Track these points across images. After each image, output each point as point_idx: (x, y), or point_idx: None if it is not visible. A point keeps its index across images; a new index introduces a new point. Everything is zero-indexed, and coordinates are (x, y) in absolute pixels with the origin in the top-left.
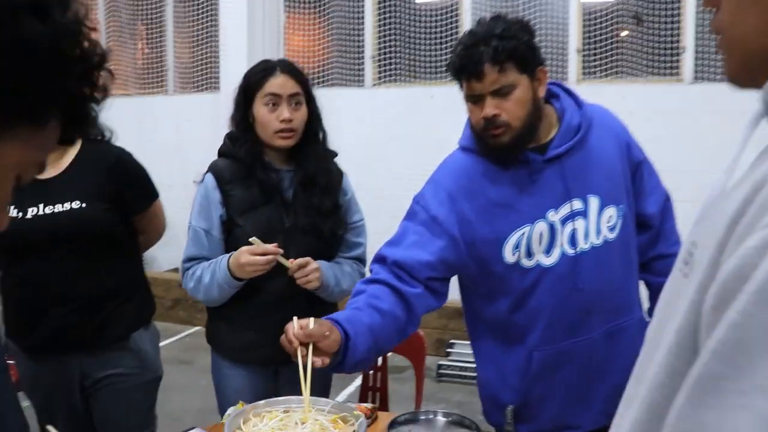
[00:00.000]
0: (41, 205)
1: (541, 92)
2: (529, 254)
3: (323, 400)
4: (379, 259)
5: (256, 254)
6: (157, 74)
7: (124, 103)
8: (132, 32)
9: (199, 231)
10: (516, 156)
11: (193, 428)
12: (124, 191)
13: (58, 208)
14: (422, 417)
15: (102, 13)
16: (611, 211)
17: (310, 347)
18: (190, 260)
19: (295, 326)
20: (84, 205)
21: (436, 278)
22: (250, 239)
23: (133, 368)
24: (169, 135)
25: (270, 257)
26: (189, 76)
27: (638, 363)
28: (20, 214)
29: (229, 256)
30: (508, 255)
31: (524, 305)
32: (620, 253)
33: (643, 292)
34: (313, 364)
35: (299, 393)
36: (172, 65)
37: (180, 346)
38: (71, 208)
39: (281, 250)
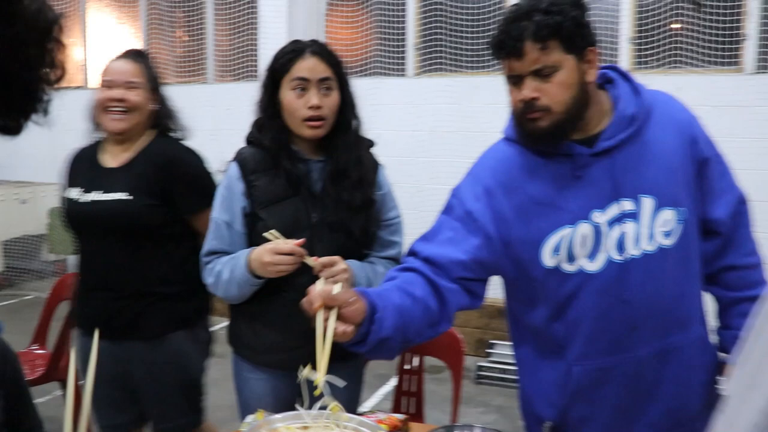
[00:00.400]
0: (99, 192)
1: (591, 76)
2: (571, 258)
3: (347, 415)
4: (412, 253)
5: (281, 253)
6: (196, 63)
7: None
8: (171, 20)
9: (220, 223)
10: (557, 146)
11: None
12: (173, 190)
13: (109, 196)
14: (457, 431)
15: (143, 1)
16: (668, 214)
17: (333, 313)
18: (211, 254)
19: (318, 287)
20: (131, 197)
21: (470, 279)
22: (266, 233)
23: (166, 367)
24: (208, 124)
25: (296, 259)
26: (228, 65)
27: (732, 398)
28: (82, 197)
29: (249, 252)
30: (547, 258)
31: (563, 314)
32: (677, 263)
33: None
34: (334, 330)
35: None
36: (211, 54)
37: (215, 338)
38: (117, 198)
39: (305, 251)
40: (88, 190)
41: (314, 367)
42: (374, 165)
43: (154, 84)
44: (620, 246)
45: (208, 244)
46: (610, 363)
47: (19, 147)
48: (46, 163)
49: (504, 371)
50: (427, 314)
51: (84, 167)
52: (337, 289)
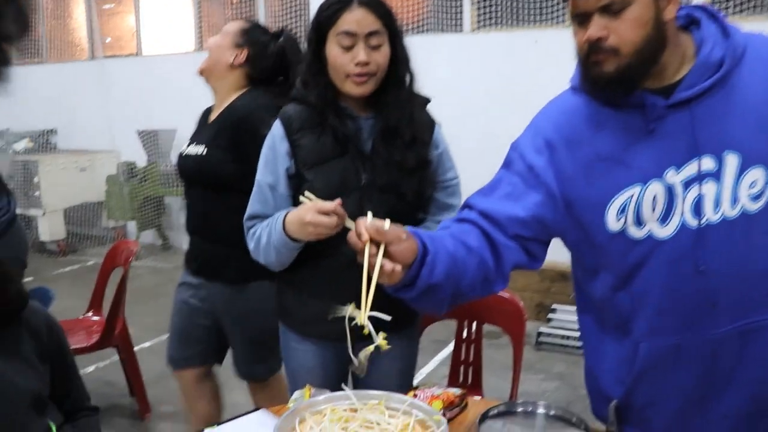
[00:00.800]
0: (194, 144)
1: (670, 13)
2: (639, 222)
3: (397, 396)
4: (467, 206)
5: (324, 213)
6: None
7: None
8: None
9: (263, 186)
10: (628, 96)
11: (258, 408)
12: (246, 150)
13: (194, 150)
14: (519, 409)
15: None
16: (757, 174)
17: (381, 248)
18: (253, 218)
19: (368, 220)
20: (205, 152)
21: (529, 238)
22: (302, 197)
23: (248, 313)
24: None
25: (338, 221)
26: (280, 26)
27: None
28: (185, 150)
29: (286, 213)
30: (612, 221)
31: (629, 284)
32: (766, 230)
33: None
34: (381, 268)
35: (374, 376)
36: (262, 16)
37: None
38: (195, 153)
39: (346, 214)
40: (189, 144)
41: (358, 307)
42: (430, 123)
43: (243, 41)
44: (697, 209)
45: (251, 207)
46: (682, 341)
47: (76, 116)
48: (103, 131)
49: (565, 337)
50: (482, 268)
51: (200, 122)
52: (387, 225)
